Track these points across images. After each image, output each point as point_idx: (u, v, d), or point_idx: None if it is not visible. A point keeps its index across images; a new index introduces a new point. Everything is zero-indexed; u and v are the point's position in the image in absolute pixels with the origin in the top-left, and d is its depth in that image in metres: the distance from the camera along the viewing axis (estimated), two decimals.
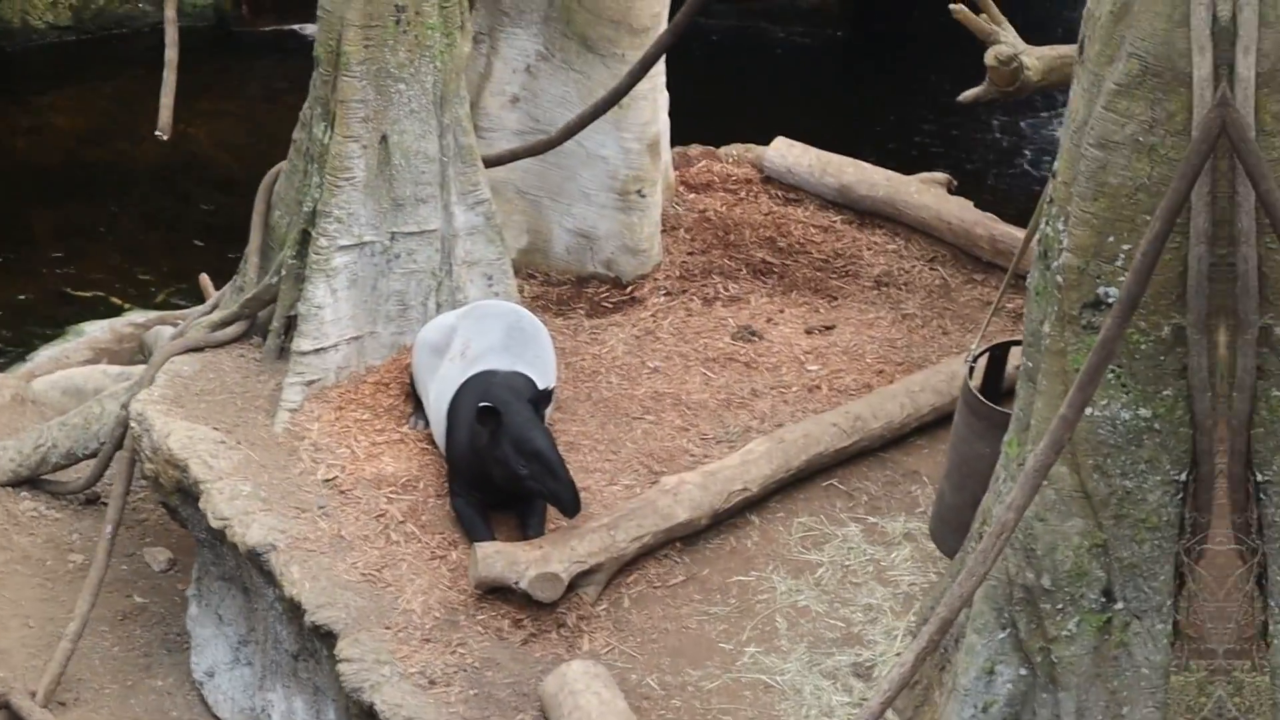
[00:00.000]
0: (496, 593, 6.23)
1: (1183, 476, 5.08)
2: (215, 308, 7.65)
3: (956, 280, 8.17)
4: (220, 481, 6.61)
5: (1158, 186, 4.80)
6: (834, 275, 8.15)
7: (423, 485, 6.72)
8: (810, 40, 13.71)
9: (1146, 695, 5.17)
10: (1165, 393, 4.99)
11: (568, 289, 8.02)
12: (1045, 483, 5.00)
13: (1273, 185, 4.58)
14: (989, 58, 7.90)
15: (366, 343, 7.27)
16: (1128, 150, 4.84)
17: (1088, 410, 4.95)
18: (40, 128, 12.32)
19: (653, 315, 7.82)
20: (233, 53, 13.51)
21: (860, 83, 13.27)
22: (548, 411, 6.70)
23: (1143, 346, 4.95)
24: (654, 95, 7.98)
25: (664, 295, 7.95)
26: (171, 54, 7.33)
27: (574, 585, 6.24)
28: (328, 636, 6.09)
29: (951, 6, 7.82)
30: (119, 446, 7.39)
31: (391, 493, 6.67)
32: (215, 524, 6.51)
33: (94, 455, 7.69)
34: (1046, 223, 5.14)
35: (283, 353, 7.21)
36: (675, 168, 8.68)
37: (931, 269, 8.24)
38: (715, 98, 11.98)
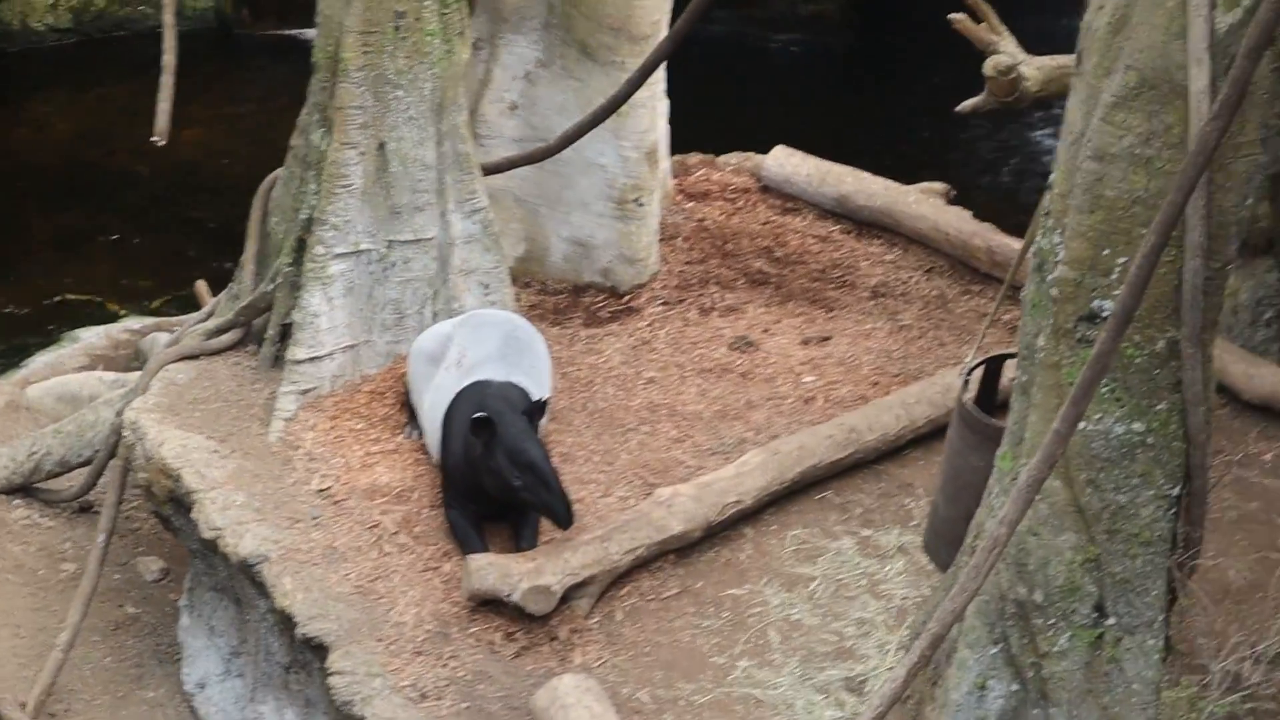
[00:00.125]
0: (489, 605, 6.21)
1: (1175, 491, 5.07)
2: (211, 315, 7.64)
3: (954, 291, 8.15)
4: (213, 491, 6.59)
5: (1154, 199, 4.78)
6: (831, 285, 8.13)
7: (417, 496, 6.70)
8: (810, 48, 13.71)
9: (1138, 711, 5.15)
10: (1159, 407, 4.97)
11: (564, 298, 8.00)
12: (1038, 497, 4.98)
13: None
14: (988, 67, 7.89)
15: (362, 351, 7.25)
16: (1124, 163, 4.83)
17: (1081, 424, 4.93)
18: (38, 130, 12.32)
19: (649, 325, 7.80)
20: (233, 56, 13.53)
21: (859, 91, 13.27)
22: (542, 422, 6.68)
23: (1137, 360, 4.94)
24: (653, 103, 7.96)
25: (661, 305, 7.93)
26: (169, 59, 7.30)
27: (567, 598, 6.21)
28: (319, 649, 6.07)
29: (951, 16, 7.81)
30: (112, 455, 7.37)
31: (385, 503, 6.65)
32: (208, 534, 6.48)
33: (88, 463, 7.67)
34: (1043, 235, 5.12)
35: (278, 361, 7.19)
36: (674, 176, 8.67)
37: (929, 280, 8.22)
38: (715, 105, 11.98)
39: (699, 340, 7.69)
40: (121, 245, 11.14)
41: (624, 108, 7.53)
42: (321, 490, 6.69)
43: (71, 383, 8.65)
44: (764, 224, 8.48)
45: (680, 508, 6.51)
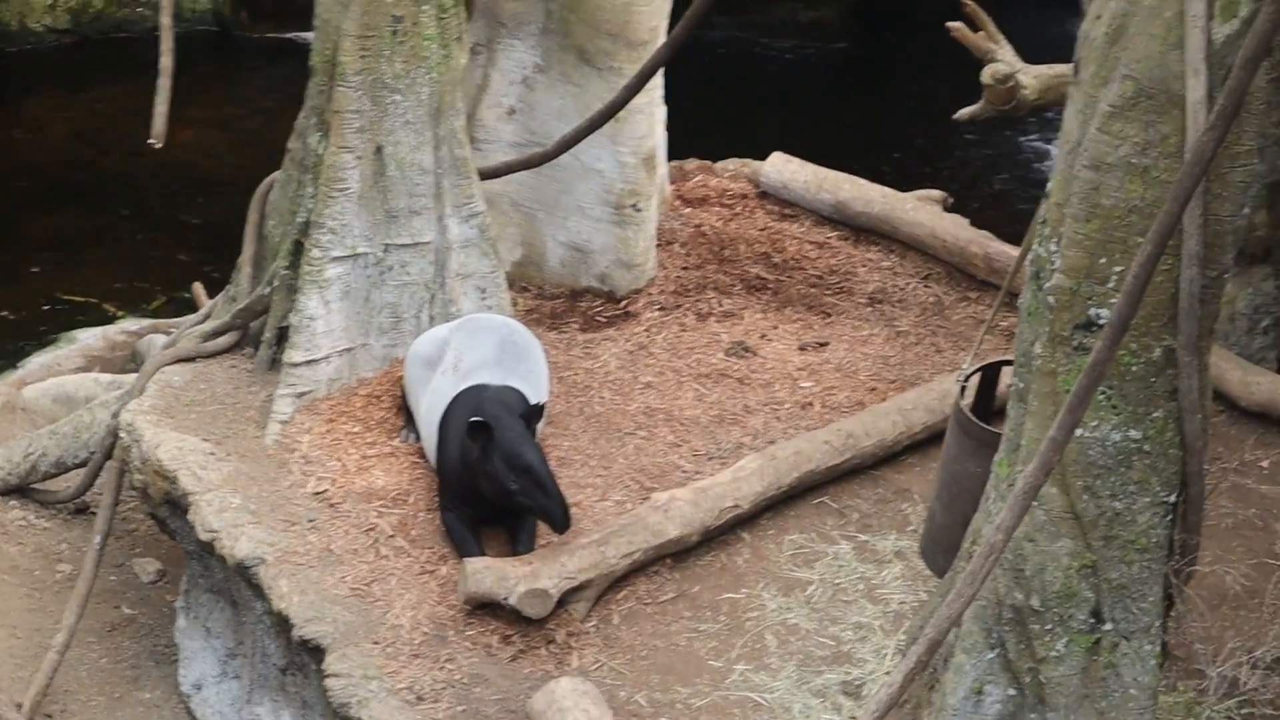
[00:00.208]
0: (486, 608, 6.21)
1: (1172, 498, 5.09)
2: (207, 317, 7.64)
3: (951, 298, 8.16)
4: (209, 493, 6.59)
5: (1150, 209, 4.80)
6: (828, 292, 8.14)
7: (413, 499, 6.71)
8: (809, 54, 13.72)
9: (1135, 716, 5.16)
10: (1155, 414, 4.98)
11: (561, 303, 8.01)
12: (1035, 503, 4.99)
13: None
14: (985, 76, 7.91)
15: (359, 355, 7.26)
16: (1121, 172, 4.84)
17: (1078, 431, 4.94)
18: (36, 131, 12.31)
19: (646, 330, 7.81)
20: (231, 59, 13.52)
21: (858, 97, 13.28)
22: (539, 426, 6.69)
23: (1133, 368, 4.95)
24: (651, 109, 7.97)
25: (658, 310, 7.94)
26: (166, 61, 7.29)
27: (563, 601, 6.22)
28: (316, 651, 6.07)
29: (949, 24, 7.82)
30: (109, 456, 7.38)
31: (382, 506, 6.65)
32: (204, 536, 6.49)
33: (84, 464, 7.68)
34: (1039, 243, 5.13)
35: (274, 364, 7.19)
36: (671, 182, 8.68)
37: (926, 286, 8.23)
38: (713, 111, 11.99)
39: (696, 345, 7.70)
40: (119, 247, 11.13)
41: (622, 113, 7.54)
42: (318, 493, 6.69)
43: (68, 384, 8.66)
44: (761, 230, 8.50)
45: (677, 512, 6.52)
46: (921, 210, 8.44)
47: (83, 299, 10.48)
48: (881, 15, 13.83)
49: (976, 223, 8.46)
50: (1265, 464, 7.00)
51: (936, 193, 8.71)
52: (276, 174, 7.50)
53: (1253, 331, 7.46)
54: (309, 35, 7.20)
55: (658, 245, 8.22)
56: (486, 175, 7.54)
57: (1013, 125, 12.14)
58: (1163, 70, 4.74)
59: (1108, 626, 5.16)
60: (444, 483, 6.62)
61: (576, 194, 7.98)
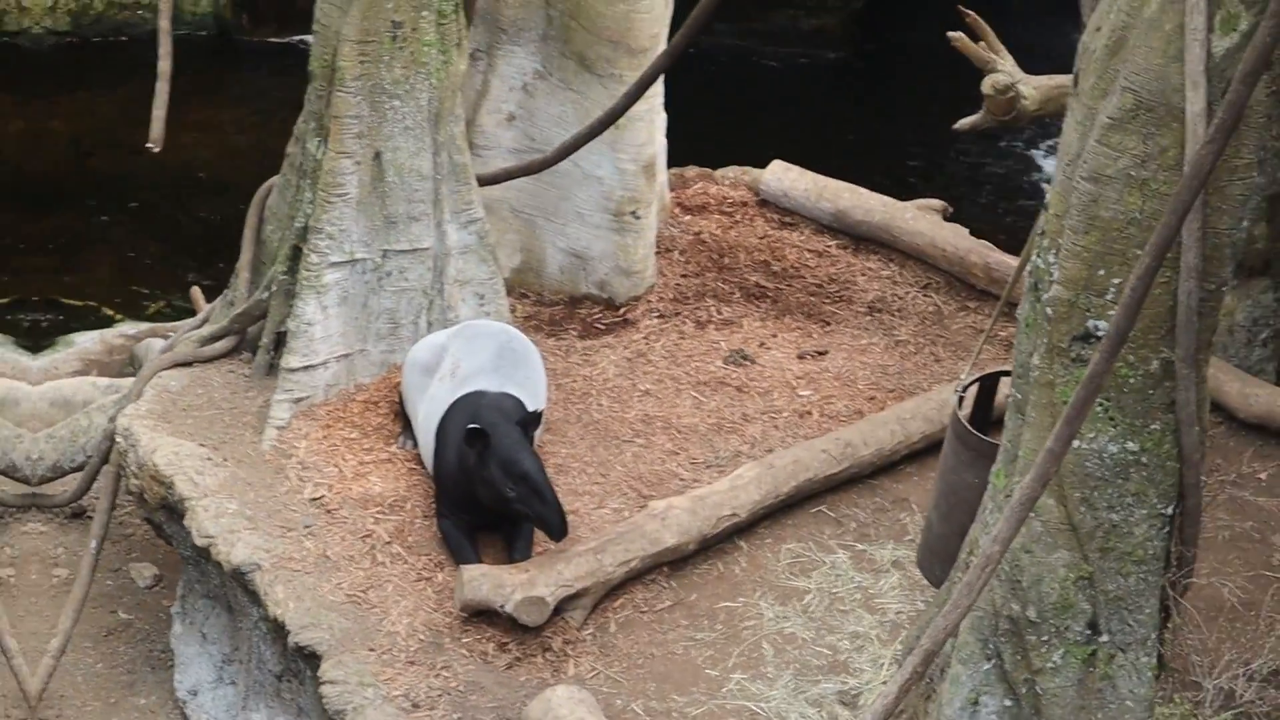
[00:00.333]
0: (482, 616, 6.21)
1: (1169, 510, 5.09)
2: (205, 322, 7.63)
3: (950, 307, 8.16)
4: (206, 499, 6.59)
5: (1149, 221, 4.80)
6: (827, 300, 8.14)
7: (410, 506, 6.70)
8: (810, 62, 13.72)
9: None
10: (1153, 427, 4.98)
11: (560, 309, 8.01)
12: (1032, 515, 4.99)
13: None
14: (986, 86, 7.90)
15: (356, 360, 7.25)
16: (1120, 184, 4.84)
17: (1075, 443, 4.94)
18: (35, 134, 12.30)
19: (645, 337, 7.81)
20: (232, 62, 13.51)
21: (859, 106, 13.27)
22: (537, 433, 6.68)
23: (1131, 380, 4.95)
24: (651, 116, 7.97)
25: (657, 317, 7.94)
26: (164, 65, 7.28)
27: (560, 609, 6.21)
28: (311, 658, 6.07)
29: (950, 34, 7.82)
30: (106, 460, 7.37)
31: (378, 513, 6.65)
32: (200, 542, 6.49)
33: (81, 468, 7.67)
34: (1037, 255, 5.13)
35: (272, 369, 7.19)
36: (671, 189, 8.67)
37: (925, 296, 8.23)
38: (714, 119, 11.99)
39: (695, 353, 7.70)
40: (117, 250, 11.12)
41: (622, 120, 7.54)
42: (314, 499, 6.69)
43: (65, 387, 8.65)
44: (761, 238, 8.50)
45: (674, 520, 6.51)
46: (921, 219, 8.44)
47: (81, 302, 10.47)
48: (883, 24, 13.82)
49: (975, 233, 8.46)
50: (1263, 476, 7.00)
51: (936, 202, 8.71)
52: (275, 178, 7.50)
53: (1251, 343, 7.46)
54: (310, 39, 7.20)
55: (657, 253, 8.22)
56: (486, 181, 7.54)
57: (1015, 136, 12.15)
58: (1162, 83, 4.74)
59: (1104, 638, 5.16)
60: (441, 489, 6.61)
61: (576, 201, 7.98)
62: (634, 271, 8.03)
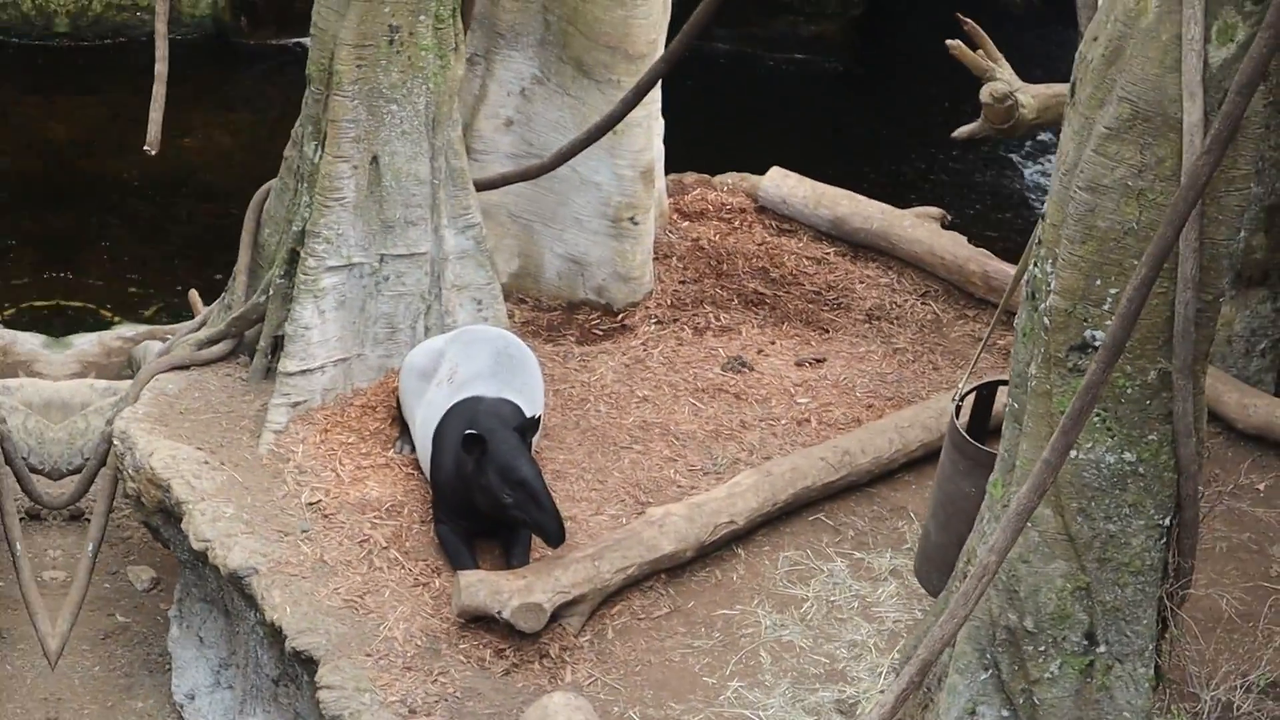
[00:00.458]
0: (479, 622, 6.21)
1: (1166, 521, 5.09)
2: (203, 325, 7.63)
3: (948, 315, 8.16)
4: (203, 503, 6.59)
5: (1146, 231, 4.80)
6: (826, 308, 8.14)
7: (407, 511, 6.70)
8: (809, 69, 13.71)
9: None
10: (1150, 437, 4.98)
11: (558, 315, 8.01)
12: (1029, 525, 4.99)
13: None
14: (984, 95, 7.90)
15: (354, 365, 7.25)
16: (1117, 194, 4.84)
17: (1072, 453, 4.94)
18: (33, 135, 12.29)
19: (643, 344, 7.80)
20: (230, 65, 13.50)
21: (858, 112, 13.27)
22: (534, 439, 6.68)
23: (1128, 391, 4.95)
24: (649, 122, 7.97)
25: (655, 324, 7.94)
26: (161, 68, 7.28)
27: (557, 616, 6.21)
28: (308, 662, 6.06)
29: (949, 43, 7.82)
30: (103, 463, 7.36)
31: (375, 518, 6.65)
32: (197, 546, 6.48)
33: (78, 471, 7.67)
34: (1035, 264, 5.14)
35: (269, 373, 7.19)
36: (669, 195, 8.67)
37: (924, 304, 8.23)
38: (712, 125, 11.98)
39: (693, 360, 7.70)
40: (115, 252, 11.11)
41: (620, 126, 7.54)
42: (312, 503, 6.69)
43: (63, 390, 8.64)
44: (759, 245, 8.49)
45: (672, 527, 6.51)
46: (920, 227, 8.44)
47: (79, 304, 10.47)
48: (882, 31, 13.82)
49: (973, 241, 8.46)
50: (1261, 487, 6.99)
51: (935, 210, 8.71)
52: (272, 182, 7.49)
53: (1250, 354, 7.46)
54: (308, 42, 7.19)
55: (655, 259, 8.22)
56: (483, 186, 7.54)
57: (1013, 144, 12.14)
58: (1159, 93, 4.74)
59: (1101, 649, 5.16)
60: (438, 495, 6.61)
61: (574, 206, 7.98)
62: (632, 277, 8.03)
